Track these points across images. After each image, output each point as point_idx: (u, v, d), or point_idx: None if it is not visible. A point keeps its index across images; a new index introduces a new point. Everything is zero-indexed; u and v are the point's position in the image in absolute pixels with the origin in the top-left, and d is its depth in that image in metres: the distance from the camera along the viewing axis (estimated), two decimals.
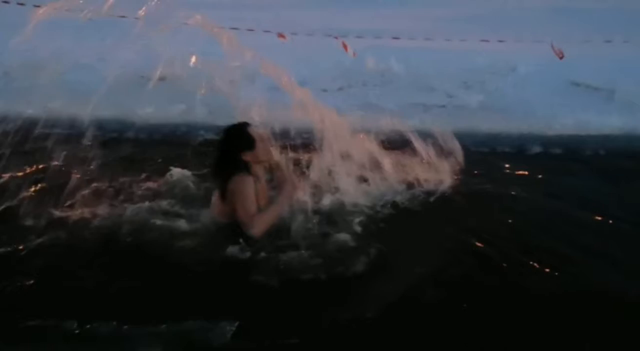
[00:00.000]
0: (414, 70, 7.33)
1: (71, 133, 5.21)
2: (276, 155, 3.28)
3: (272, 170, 3.36)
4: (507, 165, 4.55)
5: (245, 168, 3.04)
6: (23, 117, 5.64)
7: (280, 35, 6.85)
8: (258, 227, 2.94)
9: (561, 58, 6.20)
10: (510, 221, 3.38)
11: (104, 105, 6.02)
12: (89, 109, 5.81)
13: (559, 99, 6.28)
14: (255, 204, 2.99)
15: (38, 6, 8.98)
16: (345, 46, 6.78)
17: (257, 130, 3.14)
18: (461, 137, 5.37)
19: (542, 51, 7.47)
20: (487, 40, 8.20)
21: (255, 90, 6.79)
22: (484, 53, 7.86)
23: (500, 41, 7.76)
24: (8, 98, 6.21)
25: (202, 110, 6.03)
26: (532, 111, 5.99)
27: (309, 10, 12.51)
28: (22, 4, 8.33)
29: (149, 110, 5.94)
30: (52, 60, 7.51)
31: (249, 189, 2.98)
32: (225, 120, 5.73)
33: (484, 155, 4.88)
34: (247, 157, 3.05)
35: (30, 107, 5.93)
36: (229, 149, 3.08)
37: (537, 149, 5.04)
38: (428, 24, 11.02)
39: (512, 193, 3.84)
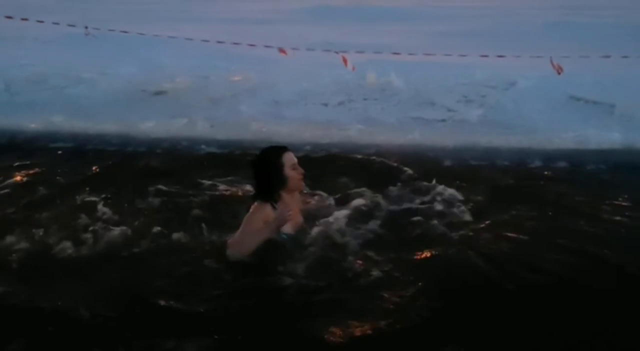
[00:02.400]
0: (414, 84, 7.36)
1: (74, 148, 5.26)
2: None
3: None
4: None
5: (272, 196, 3.00)
6: (26, 131, 5.73)
7: (281, 51, 6.88)
8: (232, 248, 2.86)
9: (560, 73, 6.22)
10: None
11: (105, 119, 6.11)
12: (92, 123, 5.89)
13: (559, 114, 6.29)
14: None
15: (41, 21, 9.06)
16: (345, 60, 6.80)
17: (291, 156, 3.08)
18: (461, 151, 5.44)
19: (541, 66, 7.49)
20: (486, 55, 8.23)
21: (256, 103, 6.82)
22: (483, 67, 7.89)
23: (500, 56, 7.77)
24: (10, 111, 6.23)
25: (204, 124, 6.05)
26: (532, 125, 5.99)
27: (308, 26, 12.61)
28: (25, 19, 8.39)
29: (150, 124, 5.95)
30: (53, 74, 7.58)
31: (257, 216, 2.92)
32: (226, 133, 5.83)
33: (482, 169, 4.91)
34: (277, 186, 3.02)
35: (34, 122, 5.97)
36: (260, 177, 3.06)
37: (537, 163, 5.04)
38: (427, 38, 11.09)
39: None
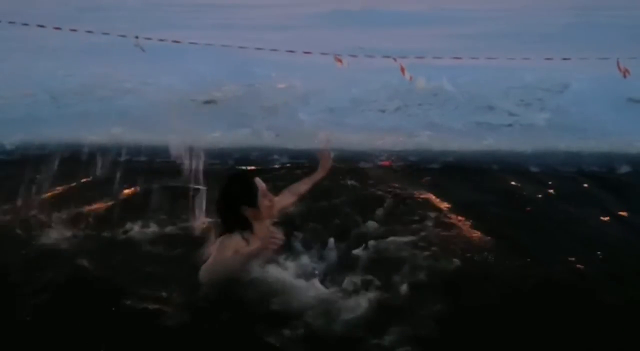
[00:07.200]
0: (464, 88, 7.25)
1: (147, 161, 5.06)
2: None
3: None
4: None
5: (244, 225, 2.82)
6: (89, 144, 5.49)
7: (337, 59, 6.69)
8: (202, 274, 2.74)
9: (626, 76, 6.14)
10: None
11: (166, 130, 5.88)
12: (153, 135, 5.67)
13: (625, 116, 6.22)
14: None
15: (74, 30, 8.77)
16: (402, 69, 6.62)
17: (260, 182, 2.86)
18: (541, 156, 5.33)
19: (590, 67, 7.45)
20: (528, 58, 8.17)
21: (312, 111, 6.67)
22: (530, 70, 7.81)
23: (548, 59, 7.70)
24: (63, 124, 6.01)
25: (269, 133, 5.88)
26: (602, 129, 5.91)
27: (329, 31, 12.49)
28: (58, 29, 8.15)
29: (216, 134, 5.77)
30: (96, 85, 7.36)
31: (228, 245, 2.77)
32: (295, 143, 5.65)
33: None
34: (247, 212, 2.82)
35: (91, 134, 5.73)
36: (231, 205, 2.83)
37: (626, 169, 4.94)
38: (453, 42, 11.05)
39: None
